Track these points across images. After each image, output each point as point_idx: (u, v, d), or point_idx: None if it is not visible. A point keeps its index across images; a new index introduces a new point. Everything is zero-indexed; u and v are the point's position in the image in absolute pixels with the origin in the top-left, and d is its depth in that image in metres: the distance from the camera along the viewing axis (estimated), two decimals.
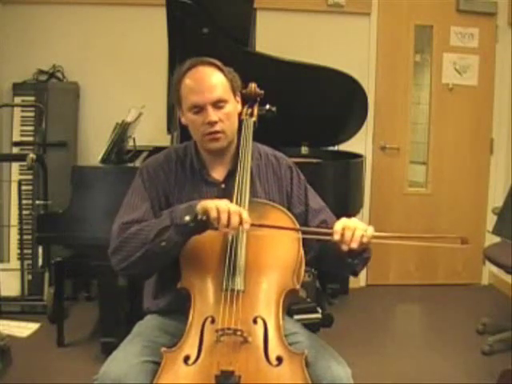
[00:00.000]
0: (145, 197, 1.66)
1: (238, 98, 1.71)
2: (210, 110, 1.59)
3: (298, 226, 1.57)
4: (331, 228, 1.46)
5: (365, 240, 1.43)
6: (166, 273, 1.66)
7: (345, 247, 1.43)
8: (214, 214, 1.41)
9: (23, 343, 2.97)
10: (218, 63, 1.64)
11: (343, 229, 1.43)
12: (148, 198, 1.65)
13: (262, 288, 1.48)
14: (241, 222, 1.42)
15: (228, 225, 1.41)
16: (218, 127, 1.60)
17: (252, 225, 1.45)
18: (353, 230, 1.43)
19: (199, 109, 1.60)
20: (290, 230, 1.55)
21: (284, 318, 1.50)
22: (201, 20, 2.74)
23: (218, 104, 1.60)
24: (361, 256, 1.53)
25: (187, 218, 1.47)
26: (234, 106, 1.65)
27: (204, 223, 1.45)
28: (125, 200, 1.68)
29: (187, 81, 1.61)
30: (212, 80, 1.61)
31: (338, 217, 1.53)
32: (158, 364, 1.42)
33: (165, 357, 1.39)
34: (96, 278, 2.95)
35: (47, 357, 2.84)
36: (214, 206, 1.42)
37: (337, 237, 1.43)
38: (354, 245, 1.42)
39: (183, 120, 1.67)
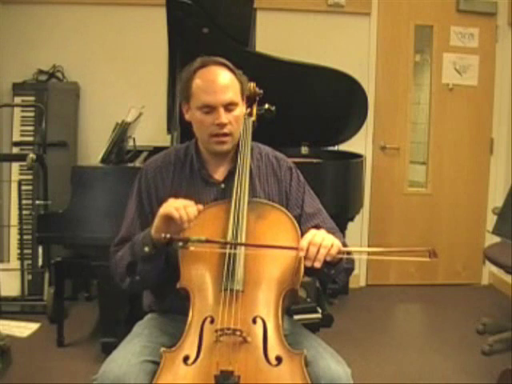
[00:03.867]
0: (133, 207, 1.70)
1: (244, 101, 1.71)
2: (222, 111, 1.58)
3: (296, 226, 1.57)
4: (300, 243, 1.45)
5: (328, 259, 1.42)
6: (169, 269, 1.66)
7: (308, 263, 1.42)
8: (175, 215, 1.44)
9: (23, 343, 2.97)
10: (230, 65, 1.64)
11: (308, 245, 1.42)
12: (137, 207, 1.69)
13: (261, 288, 1.48)
14: (198, 210, 1.46)
15: (188, 219, 1.44)
16: (226, 129, 1.60)
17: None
18: (318, 246, 1.41)
19: (210, 109, 1.59)
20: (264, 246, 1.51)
21: (284, 318, 1.50)
22: (201, 20, 2.75)
23: (229, 106, 1.59)
24: (337, 266, 1.52)
25: (146, 249, 1.51)
26: (242, 109, 1.66)
27: (165, 245, 1.50)
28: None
29: (198, 80, 1.60)
30: (225, 81, 1.60)
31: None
32: (157, 364, 1.42)
33: (164, 357, 1.38)
34: (96, 278, 2.95)
35: (47, 357, 2.84)
36: (171, 207, 1.45)
37: (302, 254, 1.43)
38: (317, 264, 1.41)
39: (187, 117, 1.67)
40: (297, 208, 1.70)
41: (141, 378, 1.42)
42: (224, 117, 1.59)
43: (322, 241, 1.42)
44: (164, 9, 2.69)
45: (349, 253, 1.50)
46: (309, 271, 1.51)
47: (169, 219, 1.46)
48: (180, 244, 1.43)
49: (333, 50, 3.83)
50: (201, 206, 1.48)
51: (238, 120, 1.63)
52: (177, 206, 1.45)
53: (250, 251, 1.50)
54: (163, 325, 1.64)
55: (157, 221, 1.49)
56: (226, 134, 1.61)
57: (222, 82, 1.59)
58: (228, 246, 1.49)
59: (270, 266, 1.51)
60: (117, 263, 1.63)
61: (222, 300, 1.43)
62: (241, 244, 1.50)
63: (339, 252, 1.44)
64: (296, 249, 1.44)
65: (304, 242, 1.43)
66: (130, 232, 1.66)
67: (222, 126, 1.59)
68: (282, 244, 1.51)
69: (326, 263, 1.44)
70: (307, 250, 1.41)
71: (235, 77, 1.63)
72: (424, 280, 4.14)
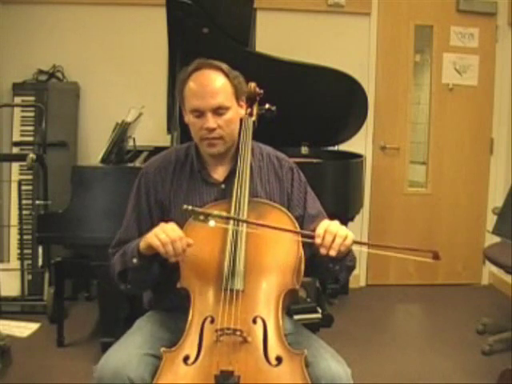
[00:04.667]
0: (130, 209, 1.71)
1: (243, 103, 1.70)
2: (210, 116, 1.59)
3: (296, 226, 1.57)
4: (314, 231, 1.46)
5: (343, 249, 1.44)
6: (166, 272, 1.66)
7: (323, 251, 1.43)
8: (161, 250, 1.43)
9: (23, 343, 2.97)
10: (225, 67, 1.63)
11: (324, 233, 1.43)
12: (134, 209, 1.69)
13: (261, 288, 1.48)
14: (188, 245, 1.44)
15: (175, 254, 1.43)
16: (215, 134, 1.60)
17: (242, 221, 1.50)
18: (333, 235, 1.43)
19: (199, 113, 1.60)
20: (277, 230, 1.51)
21: (284, 318, 1.50)
22: (201, 20, 2.75)
23: (218, 111, 1.59)
24: (342, 262, 1.53)
25: (134, 260, 1.52)
26: (235, 112, 1.65)
27: (153, 257, 1.49)
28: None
29: (191, 83, 1.61)
30: (215, 86, 1.60)
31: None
32: (157, 357, 1.43)
33: (164, 357, 1.39)
34: (96, 278, 2.95)
35: (47, 357, 2.84)
36: (157, 240, 1.43)
37: (318, 240, 1.43)
38: (333, 252, 1.42)
39: (186, 119, 1.67)
40: (298, 209, 1.70)
41: (141, 369, 1.43)
42: (212, 121, 1.58)
43: (338, 230, 1.44)
44: (164, 9, 2.69)
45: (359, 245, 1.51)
46: (312, 270, 1.52)
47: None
48: (201, 218, 1.40)
49: (333, 50, 3.83)
50: (190, 241, 1.45)
51: (230, 124, 1.62)
52: (164, 241, 1.42)
53: (250, 251, 1.49)
54: (163, 321, 1.65)
55: (145, 244, 1.48)
56: (215, 138, 1.61)
57: (211, 86, 1.59)
58: (234, 222, 1.49)
59: (270, 266, 1.51)
60: (113, 266, 1.63)
61: (222, 300, 1.43)
62: (253, 223, 1.50)
63: (353, 243, 1.46)
64: (312, 237, 1.45)
65: (320, 230, 1.44)
66: (126, 234, 1.67)
67: (211, 130, 1.59)
68: (282, 245, 1.51)
69: (331, 258, 1.45)
70: (323, 238, 1.42)
71: (228, 80, 1.62)
72: (424, 280, 4.14)
